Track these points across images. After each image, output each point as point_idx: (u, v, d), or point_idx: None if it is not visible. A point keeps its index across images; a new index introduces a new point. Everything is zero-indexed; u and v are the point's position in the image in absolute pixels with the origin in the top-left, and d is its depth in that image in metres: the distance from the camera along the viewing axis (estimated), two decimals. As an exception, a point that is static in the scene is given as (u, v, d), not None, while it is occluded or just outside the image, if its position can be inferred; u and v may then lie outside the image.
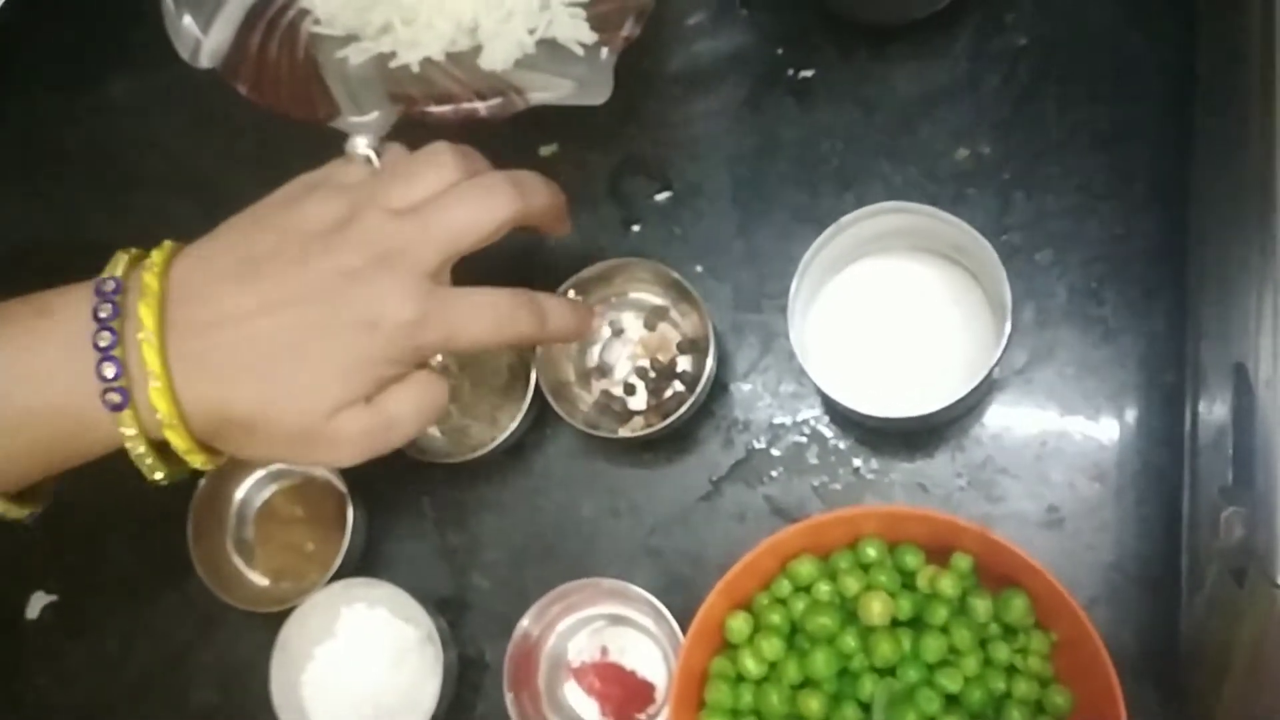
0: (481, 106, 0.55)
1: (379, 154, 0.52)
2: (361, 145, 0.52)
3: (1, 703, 0.63)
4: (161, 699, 0.62)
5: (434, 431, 0.60)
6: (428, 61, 0.56)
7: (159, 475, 0.48)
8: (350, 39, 0.57)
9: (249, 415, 0.46)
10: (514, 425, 0.58)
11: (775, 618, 0.52)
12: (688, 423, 0.58)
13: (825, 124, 0.61)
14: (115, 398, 0.45)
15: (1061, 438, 0.56)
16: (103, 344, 0.45)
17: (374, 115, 0.55)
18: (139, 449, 0.46)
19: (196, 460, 0.48)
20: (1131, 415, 0.56)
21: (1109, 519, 0.55)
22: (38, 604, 0.64)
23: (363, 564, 0.60)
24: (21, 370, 0.46)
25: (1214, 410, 0.47)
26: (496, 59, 0.55)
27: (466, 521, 0.61)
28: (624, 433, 0.58)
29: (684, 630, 0.53)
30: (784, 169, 0.61)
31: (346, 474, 0.59)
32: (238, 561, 0.62)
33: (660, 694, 0.57)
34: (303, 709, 0.58)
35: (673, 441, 0.59)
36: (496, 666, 0.58)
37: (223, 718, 0.61)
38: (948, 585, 0.51)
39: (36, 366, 0.46)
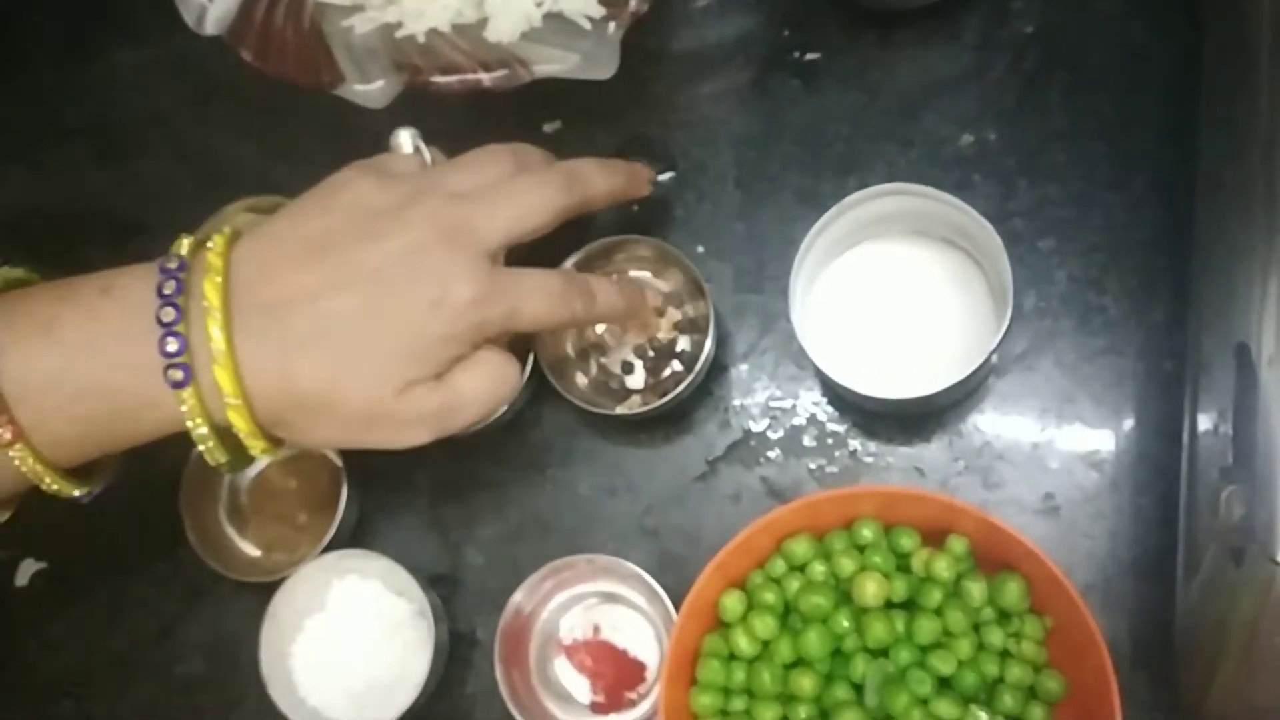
0: (486, 78, 0.55)
1: (423, 148, 0.52)
2: (407, 138, 0.52)
3: (-10, 670, 0.63)
4: (150, 668, 0.61)
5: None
6: (433, 32, 0.56)
7: (221, 460, 0.47)
8: (356, 8, 0.57)
9: (316, 393, 0.46)
10: (511, 401, 0.57)
11: (769, 597, 0.52)
12: (685, 403, 0.58)
13: (830, 107, 0.61)
14: (177, 374, 0.44)
15: (1060, 425, 0.56)
16: (166, 319, 0.45)
17: (378, 84, 0.55)
18: (201, 429, 0.46)
19: (257, 446, 0.47)
20: (1130, 404, 0.56)
21: (1105, 507, 0.55)
22: (27, 571, 0.64)
23: (356, 537, 0.60)
24: (82, 344, 0.45)
25: (1214, 395, 0.47)
26: (502, 31, 0.55)
27: (461, 496, 0.61)
28: (621, 411, 0.58)
29: (677, 609, 0.52)
30: (788, 151, 0.61)
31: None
32: (230, 532, 0.62)
33: (651, 674, 0.57)
34: (292, 681, 0.57)
35: (670, 421, 0.59)
36: (488, 643, 0.58)
37: (210, 688, 0.61)
38: (943, 568, 0.51)
39: (99, 342, 0.45)
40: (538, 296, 0.49)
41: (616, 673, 0.57)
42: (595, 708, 0.57)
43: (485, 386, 0.49)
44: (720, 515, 0.58)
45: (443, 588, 0.59)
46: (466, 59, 0.55)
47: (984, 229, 0.52)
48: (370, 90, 0.55)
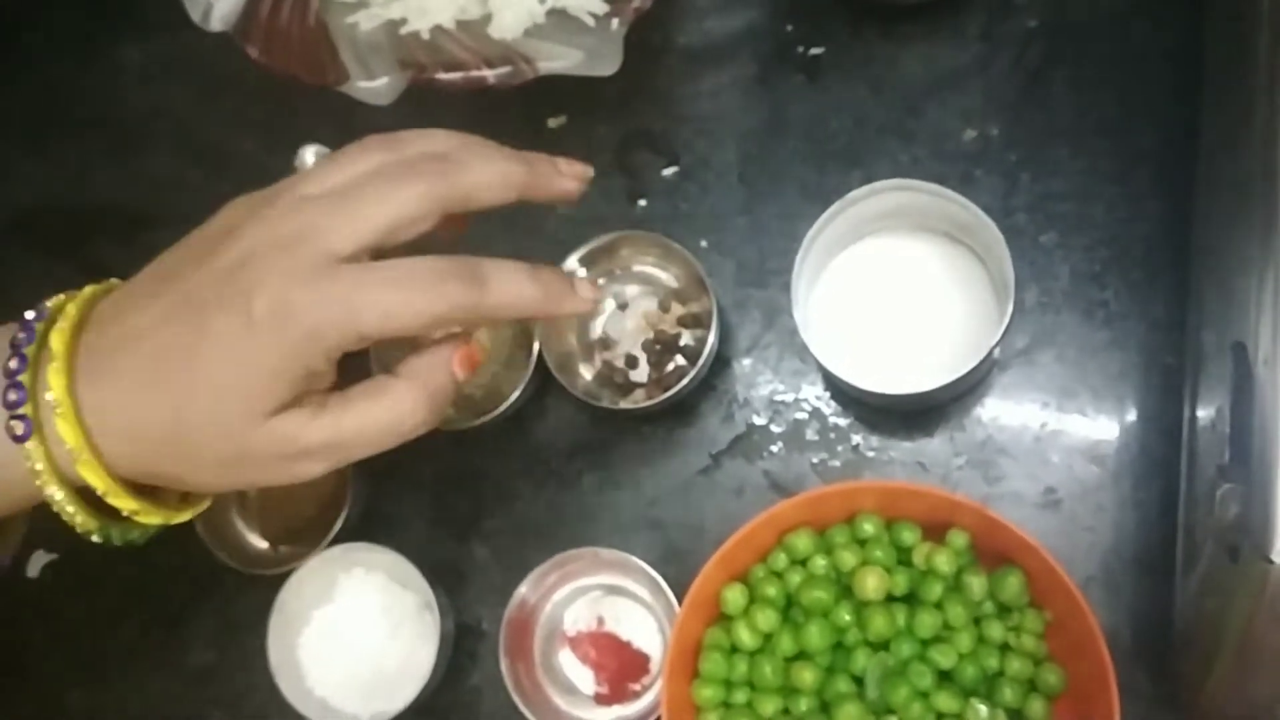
0: (490, 75, 0.55)
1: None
2: (310, 155, 0.50)
3: (1, 660, 0.63)
4: (159, 659, 0.62)
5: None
6: (438, 29, 0.56)
7: (89, 528, 0.43)
8: (361, 5, 0.57)
9: (165, 438, 0.42)
10: (516, 395, 0.58)
11: (771, 590, 0.52)
12: (689, 397, 0.58)
13: (834, 102, 0.61)
14: (18, 426, 0.41)
15: (1061, 420, 0.57)
16: (10, 368, 0.41)
17: (383, 81, 0.55)
18: (51, 488, 0.42)
19: (124, 504, 0.43)
20: (1131, 399, 0.56)
21: (1106, 501, 0.55)
22: (38, 562, 0.64)
23: (362, 529, 0.61)
24: None
25: (1213, 392, 0.47)
26: (506, 27, 0.55)
27: (466, 490, 0.61)
28: (625, 405, 0.58)
29: (680, 602, 0.53)
30: (792, 146, 0.61)
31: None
32: (238, 523, 0.62)
33: (655, 664, 0.57)
34: (299, 672, 0.58)
35: (673, 415, 0.60)
36: (493, 634, 0.58)
37: (219, 679, 0.61)
38: (943, 562, 0.51)
39: None
40: (387, 289, 0.41)
41: (620, 664, 0.58)
42: (599, 699, 0.58)
43: (377, 420, 0.43)
44: (723, 509, 0.59)
45: (448, 580, 0.60)
46: (471, 56, 0.55)
47: (986, 224, 0.52)
48: (375, 87, 0.55)
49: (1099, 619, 0.48)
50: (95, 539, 0.44)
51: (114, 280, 0.46)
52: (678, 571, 0.55)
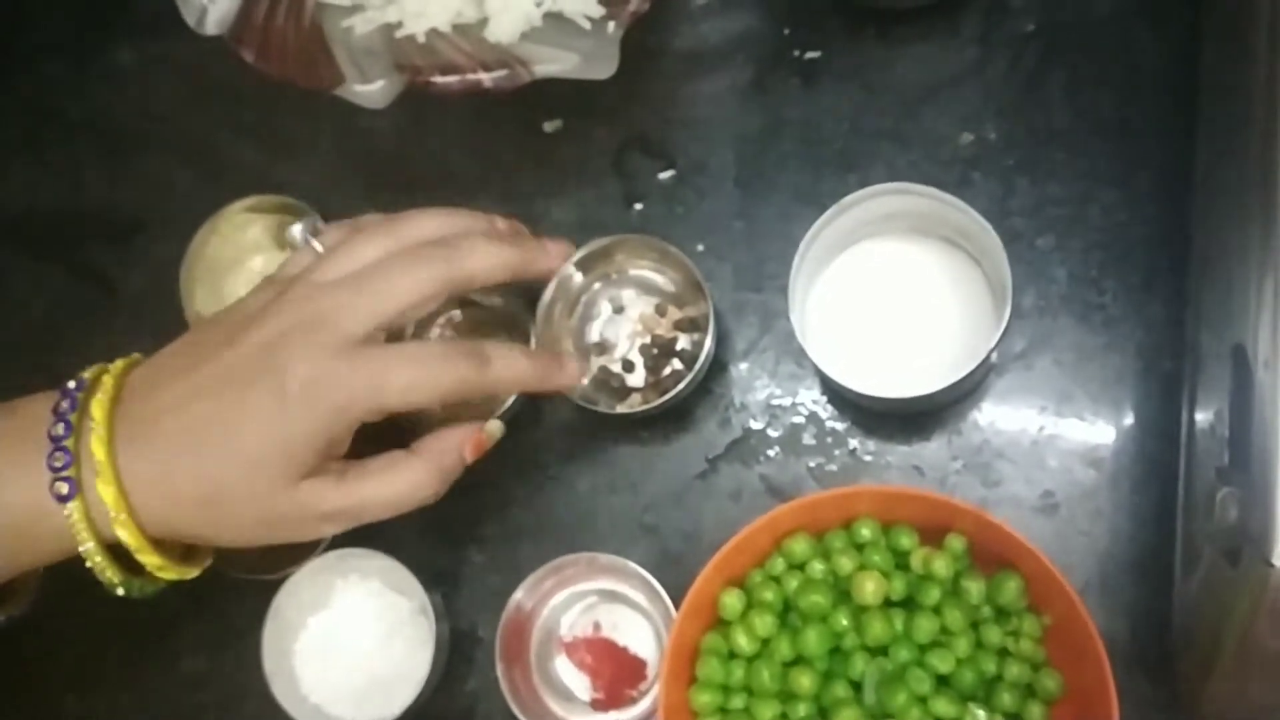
0: (486, 78, 0.55)
1: (318, 236, 0.53)
2: (298, 232, 0.54)
3: (-7, 668, 0.63)
4: (154, 665, 0.62)
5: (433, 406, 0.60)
6: (434, 32, 0.56)
7: (115, 580, 0.49)
8: (356, 8, 0.57)
9: (200, 500, 0.47)
10: (512, 399, 0.58)
11: (768, 595, 0.52)
12: (685, 401, 0.58)
13: (830, 106, 0.61)
14: (63, 488, 0.46)
15: (1058, 423, 0.56)
16: (56, 434, 0.46)
17: (379, 84, 0.55)
18: (87, 545, 0.47)
19: (151, 562, 0.48)
20: (1129, 402, 0.56)
21: (1104, 505, 0.55)
22: (32, 569, 0.64)
23: (358, 535, 0.59)
24: None
25: (1212, 395, 0.47)
26: (503, 31, 0.55)
27: (462, 495, 0.60)
28: (621, 409, 0.58)
29: (677, 607, 0.53)
30: (788, 150, 0.61)
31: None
32: (233, 530, 0.62)
33: (651, 670, 0.57)
34: (294, 678, 0.58)
35: (670, 419, 0.60)
36: (489, 640, 0.58)
37: (214, 685, 0.61)
38: (941, 566, 0.51)
39: None
40: (406, 367, 0.48)
41: (617, 670, 0.57)
42: (595, 705, 0.58)
43: (392, 492, 0.50)
44: (720, 513, 0.58)
45: (444, 586, 0.60)
46: (467, 59, 0.55)
47: (983, 228, 0.52)
48: (371, 91, 0.55)
49: (1097, 623, 0.48)
50: (119, 592, 0.49)
51: (136, 355, 0.51)
52: (674, 576, 0.55)
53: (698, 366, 0.56)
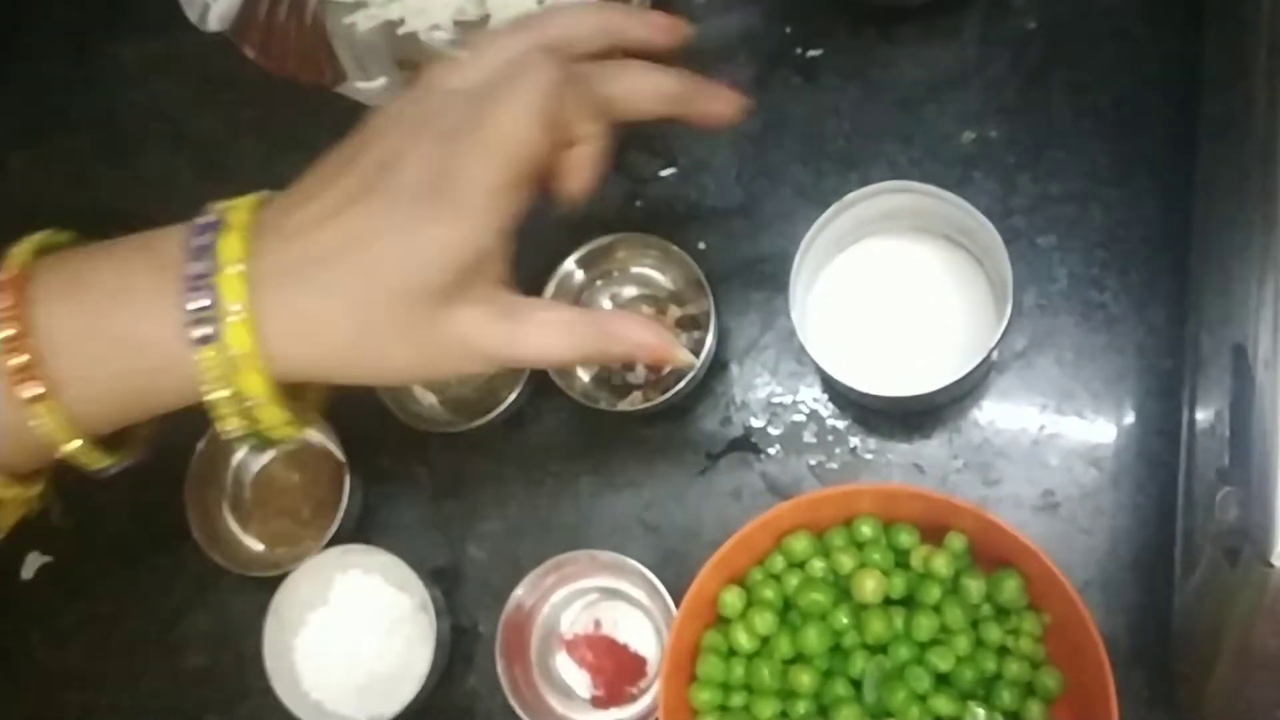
0: (488, 75, 0.55)
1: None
2: (440, 36, 0.51)
3: (-5, 662, 0.63)
4: (154, 661, 0.62)
5: (432, 400, 0.60)
6: (435, 29, 0.56)
7: (237, 432, 0.46)
8: (358, 5, 0.57)
9: (346, 331, 0.44)
10: (513, 396, 0.58)
11: (768, 593, 0.52)
12: (686, 399, 0.58)
13: (832, 104, 0.61)
14: (200, 330, 0.43)
15: (1059, 422, 0.56)
16: (192, 273, 0.43)
17: (380, 81, 0.55)
18: (219, 392, 0.44)
19: (273, 415, 0.45)
20: (1130, 402, 0.56)
21: (1105, 504, 0.55)
22: (33, 565, 0.64)
23: (358, 532, 0.60)
24: (111, 298, 0.44)
25: (1212, 395, 0.47)
26: (504, 28, 0.55)
27: (463, 492, 0.61)
28: (623, 407, 0.58)
29: (677, 605, 0.53)
30: (789, 147, 0.61)
31: (345, 441, 0.59)
32: (233, 526, 0.62)
33: (652, 668, 0.57)
34: (295, 674, 0.58)
35: (671, 417, 0.60)
36: (489, 637, 0.58)
37: (214, 681, 0.61)
38: (941, 565, 0.51)
39: (128, 296, 0.44)
40: (494, 105, 0.44)
41: (617, 667, 0.58)
42: (596, 702, 0.58)
43: (545, 347, 0.46)
44: (720, 511, 0.58)
45: (445, 582, 0.60)
46: (468, 56, 0.55)
47: (984, 226, 0.52)
48: (372, 88, 0.55)
49: (1097, 622, 0.48)
50: (241, 444, 0.48)
51: (265, 192, 0.47)
52: (675, 574, 0.55)
53: (698, 364, 0.56)
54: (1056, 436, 0.56)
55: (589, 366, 0.60)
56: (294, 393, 0.46)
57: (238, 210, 0.45)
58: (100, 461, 0.47)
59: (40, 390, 0.43)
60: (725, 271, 0.60)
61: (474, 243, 0.44)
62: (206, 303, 0.43)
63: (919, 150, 0.60)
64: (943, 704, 0.49)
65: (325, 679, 0.58)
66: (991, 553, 0.51)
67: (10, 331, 0.43)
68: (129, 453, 0.49)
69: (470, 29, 0.56)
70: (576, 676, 0.58)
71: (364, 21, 0.56)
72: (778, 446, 0.59)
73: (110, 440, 0.47)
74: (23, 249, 0.46)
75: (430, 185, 0.44)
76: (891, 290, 0.56)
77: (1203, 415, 0.48)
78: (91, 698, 0.62)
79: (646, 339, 0.48)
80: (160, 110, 0.69)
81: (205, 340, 0.43)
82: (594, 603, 0.59)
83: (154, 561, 0.62)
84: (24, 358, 0.43)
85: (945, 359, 0.53)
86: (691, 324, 0.59)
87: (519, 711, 0.55)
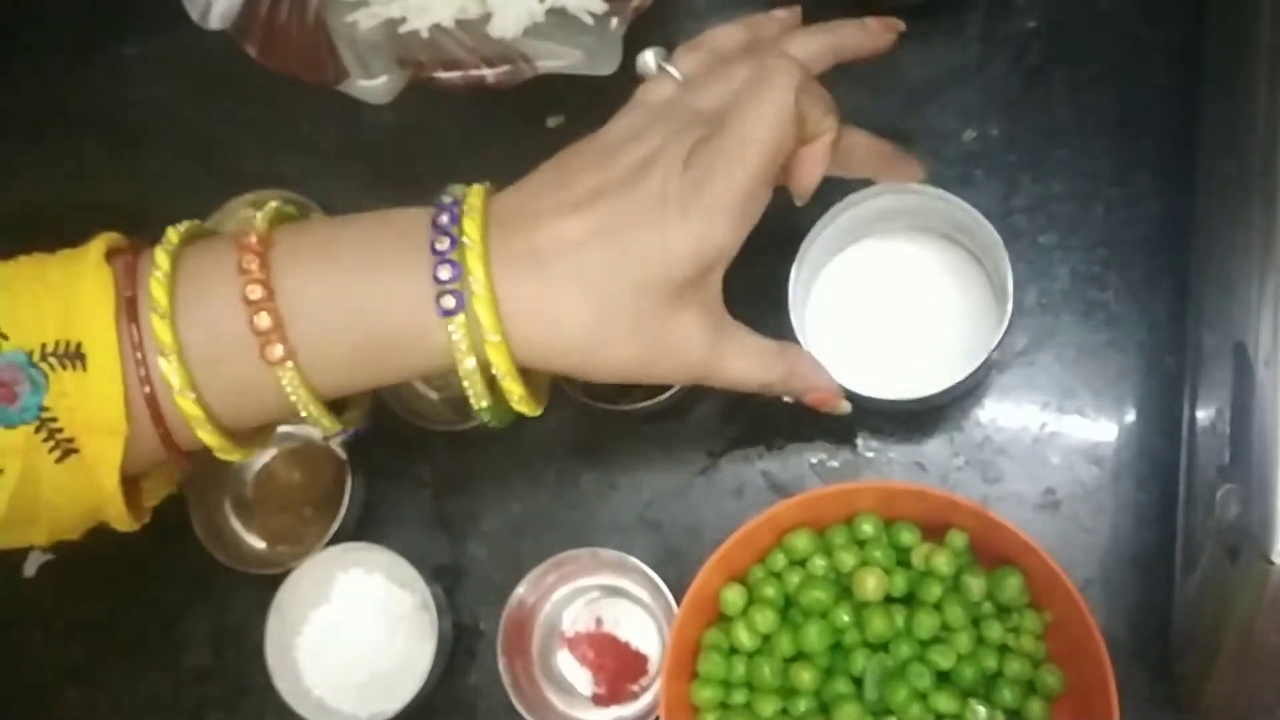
0: (489, 74, 0.55)
1: (669, 62, 0.51)
2: (650, 59, 0.51)
3: (-3, 660, 0.63)
4: (156, 659, 0.62)
5: (434, 399, 0.60)
6: (437, 27, 0.56)
7: (485, 404, 0.47)
8: (360, 3, 0.57)
9: (584, 319, 0.46)
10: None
11: (770, 591, 0.52)
12: (687, 397, 0.58)
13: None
14: (450, 301, 0.44)
15: (1060, 421, 0.56)
16: (441, 248, 0.45)
17: (382, 80, 0.55)
18: (468, 362, 0.45)
19: (515, 392, 0.47)
20: (1131, 400, 0.56)
21: (1106, 502, 0.55)
22: (34, 563, 0.64)
23: (360, 530, 0.61)
24: (358, 266, 0.46)
25: (1213, 393, 0.47)
26: (506, 26, 0.55)
27: (465, 490, 0.61)
28: (624, 405, 0.58)
29: (679, 602, 0.53)
30: (791, 146, 0.61)
31: (346, 440, 0.59)
32: (235, 524, 0.62)
33: (653, 665, 0.57)
34: (297, 672, 0.58)
35: (672, 415, 0.60)
36: (491, 635, 0.58)
37: (217, 679, 0.61)
38: (942, 563, 0.51)
39: (375, 264, 0.46)
40: (741, 112, 0.47)
41: (618, 665, 0.58)
42: (597, 700, 0.58)
43: (742, 372, 0.49)
44: (722, 509, 0.58)
45: (446, 580, 0.60)
46: (470, 55, 0.55)
47: (983, 225, 0.52)
48: (374, 86, 0.55)
49: (1098, 620, 0.48)
50: (480, 418, 0.48)
51: (488, 184, 0.48)
52: (676, 572, 0.55)
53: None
54: (1058, 434, 0.56)
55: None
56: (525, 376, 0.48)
57: (473, 195, 0.47)
58: (333, 427, 0.48)
59: (283, 352, 0.44)
60: (727, 270, 0.60)
61: (720, 241, 0.46)
62: (454, 274, 0.44)
63: (920, 149, 0.60)
64: (944, 702, 0.50)
65: (327, 676, 0.58)
66: (993, 551, 0.51)
67: (258, 294, 0.44)
68: (352, 420, 0.50)
69: (472, 27, 0.56)
70: (578, 674, 0.58)
71: (366, 20, 0.56)
72: (779, 444, 0.59)
73: (334, 406, 0.48)
74: (263, 216, 0.47)
75: (685, 187, 0.45)
76: (891, 290, 0.56)
77: (1203, 413, 0.48)
78: (93, 695, 0.62)
79: (821, 384, 0.51)
80: (162, 108, 0.68)
81: (453, 311, 0.44)
82: (595, 600, 0.59)
83: (156, 559, 0.62)
84: (269, 320, 0.44)
85: (945, 359, 0.53)
86: (693, 322, 0.59)
87: (520, 709, 0.55)
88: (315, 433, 0.61)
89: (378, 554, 0.58)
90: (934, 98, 0.60)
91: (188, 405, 0.45)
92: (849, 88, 0.61)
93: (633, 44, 0.55)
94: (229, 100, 0.67)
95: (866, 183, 0.53)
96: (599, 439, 0.60)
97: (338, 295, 0.45)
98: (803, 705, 0.51)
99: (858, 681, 0.51)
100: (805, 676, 0.50)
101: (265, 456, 0.63)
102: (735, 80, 0.48)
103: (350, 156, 0.66)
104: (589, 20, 0.55)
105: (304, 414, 0.46)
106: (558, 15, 0.55)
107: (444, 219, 0.46)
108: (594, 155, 0.48)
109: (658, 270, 0.45)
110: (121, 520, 0.48)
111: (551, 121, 0.64)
